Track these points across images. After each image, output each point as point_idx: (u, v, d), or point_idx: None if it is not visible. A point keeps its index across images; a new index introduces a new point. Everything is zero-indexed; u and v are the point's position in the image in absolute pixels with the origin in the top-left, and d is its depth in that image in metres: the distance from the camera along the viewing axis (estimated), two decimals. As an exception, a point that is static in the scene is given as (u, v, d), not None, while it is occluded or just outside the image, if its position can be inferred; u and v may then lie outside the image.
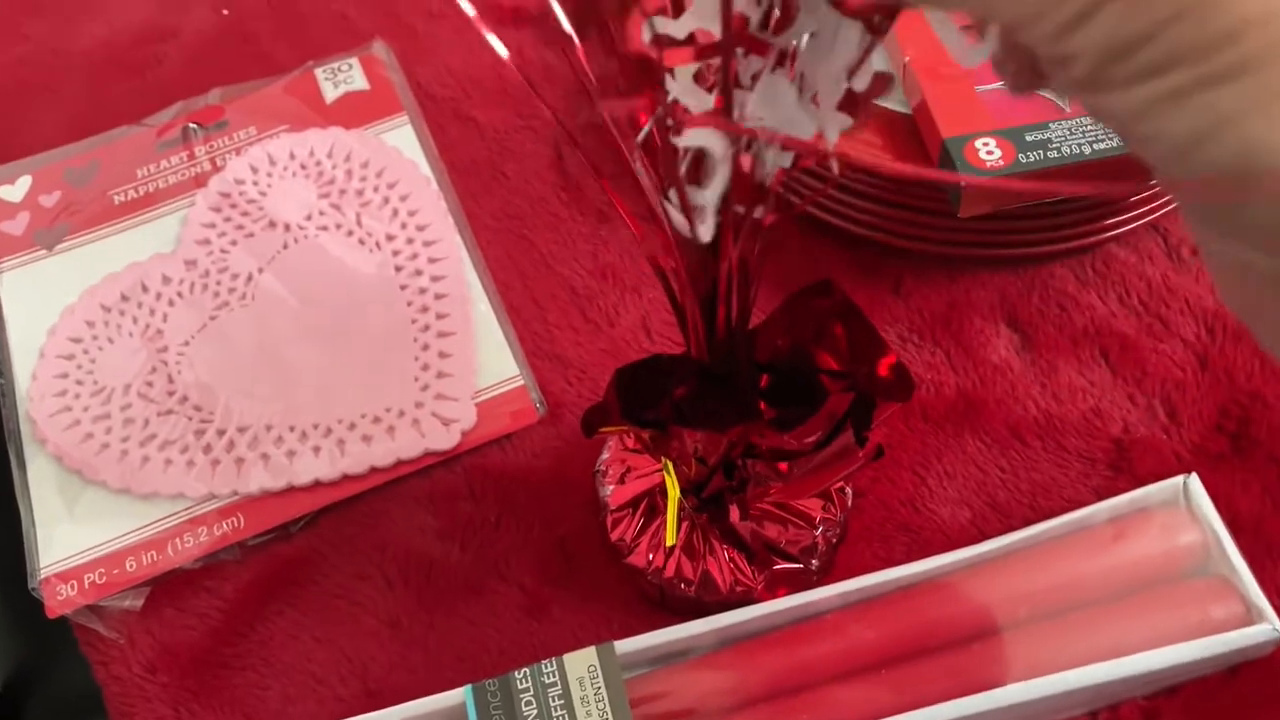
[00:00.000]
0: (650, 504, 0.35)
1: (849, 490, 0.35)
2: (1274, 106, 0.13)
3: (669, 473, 0.34)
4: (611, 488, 0.36)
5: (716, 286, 0.24)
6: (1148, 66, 0.14)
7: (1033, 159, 0.35)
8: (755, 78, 0.20)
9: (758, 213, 0.22)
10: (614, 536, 0.35)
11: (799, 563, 0.34)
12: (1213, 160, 0.14)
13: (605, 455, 0.37)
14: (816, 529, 0.34)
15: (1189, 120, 0.14)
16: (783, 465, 0.30)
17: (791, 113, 0.20)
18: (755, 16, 0.19)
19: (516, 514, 0.38)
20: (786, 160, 0.21)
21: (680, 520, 0.34)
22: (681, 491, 0.33)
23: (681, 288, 0.25)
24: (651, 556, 0.35)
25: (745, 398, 0.28)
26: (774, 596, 0.33)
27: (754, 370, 0.28)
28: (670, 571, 0.34)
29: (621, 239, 0.44)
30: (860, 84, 0.19)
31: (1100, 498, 0.35)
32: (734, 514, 0.33)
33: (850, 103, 0.20)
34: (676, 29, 0.19)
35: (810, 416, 0.26)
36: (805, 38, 0.19)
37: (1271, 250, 0.14)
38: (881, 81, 0.20)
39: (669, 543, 0.34)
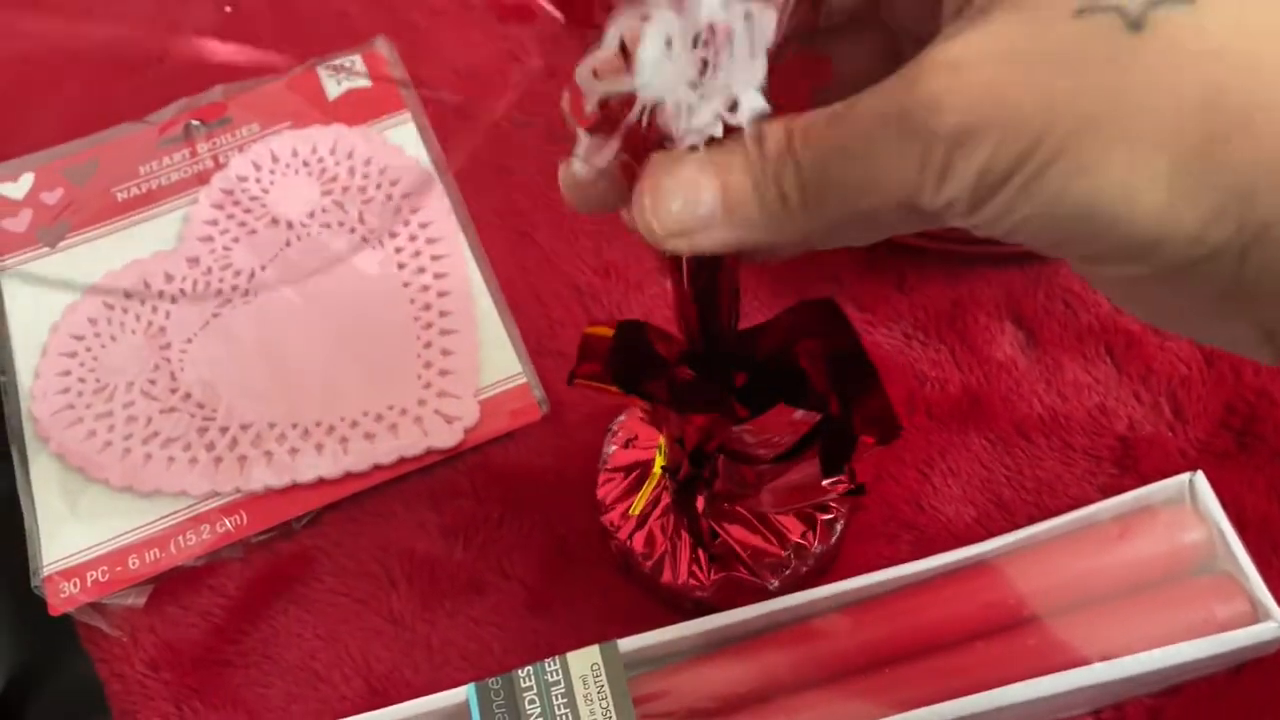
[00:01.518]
0: (641, 474, 0.36)
1: (839, 525, 0.35)
2: (1088, 172, 0.17)
3: (660, 448, 0.34)
4: (614, 448, 0.37)
5: (715, 270, 0.24)
6: (995, 182, 0.18)
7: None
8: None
9: None
10: (599, 494, 0.36)
11: (757, 577, 0.34)
12: (1064, 216, 0.18)
13: (622, 418, 0.38)
14: (788, 550, 0.34)
15: (1038, 201, 0.18)
16: (749, 472, 0.29)
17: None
18: None
19: (519, 512, 0.38)
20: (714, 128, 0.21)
21: (660, 498, 0.35)
22: (664, 470, 0.34)
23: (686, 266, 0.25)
24: (621, 522, 0.35)
25: (716, 388, 0.28)
26: (724, 602, 0.33)
27: (732, 364, 0.28)
28: (635, 543, 0.35)
29: (625, 236, 0.44)
30: None
31: (1105, 495, 0.35)
32: (700, 504, 0.33)
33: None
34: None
35: (762, 414, 0.26)
36: None
37: (1141, 260, 0.18)
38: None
39: (633, 511, 0.34)
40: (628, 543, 0.35)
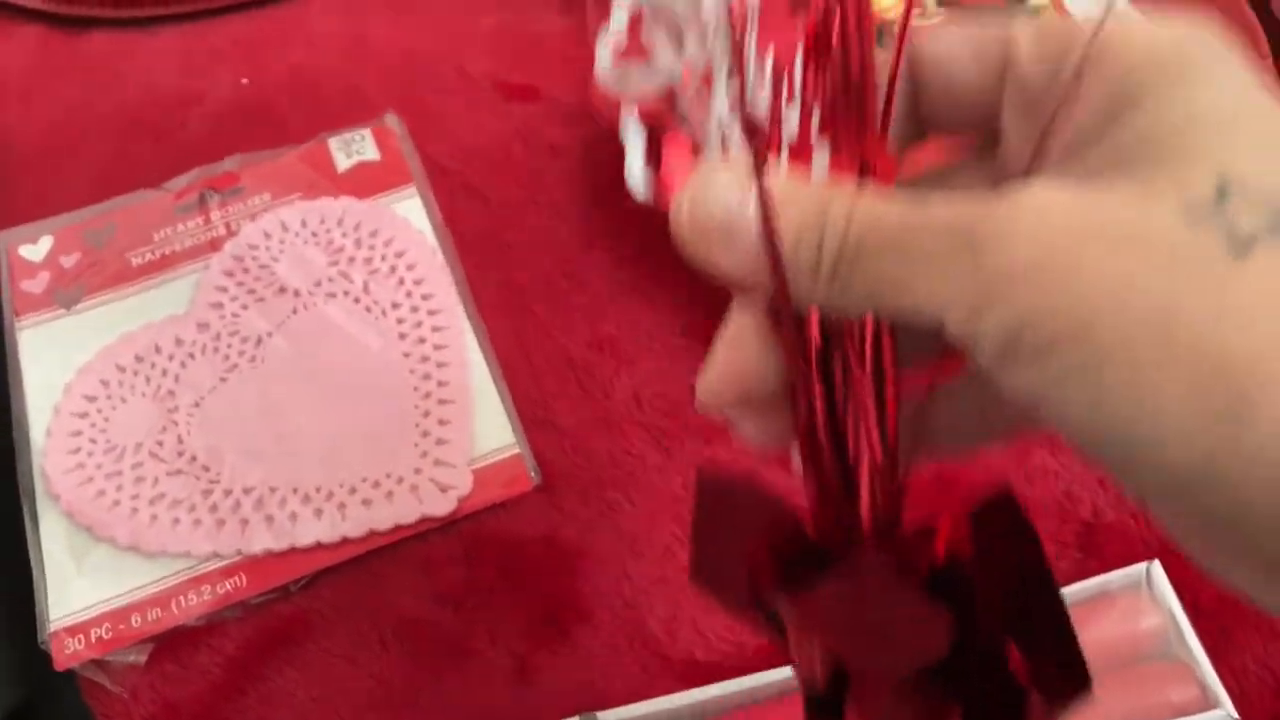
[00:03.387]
0: None
1: None
2: (1133, 386, 0.16)
3: None
4: None
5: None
6: (1033, 352, 0.16)
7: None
8: None
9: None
10: None
11: None
12: (1098, 421, 0.16)
13: None
14: None
15: (1080, 393, 0.16)
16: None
17: None
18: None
19: (510, 580, 0.40)
20: None
21: None
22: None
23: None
24: None
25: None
26: None
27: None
28: None
29: (618, 313, 0.46)
30: None
31: (1069, 580, 0.36)
32: None
33: None
34: None
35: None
36: None
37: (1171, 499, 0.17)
38: None
39: None
40: None
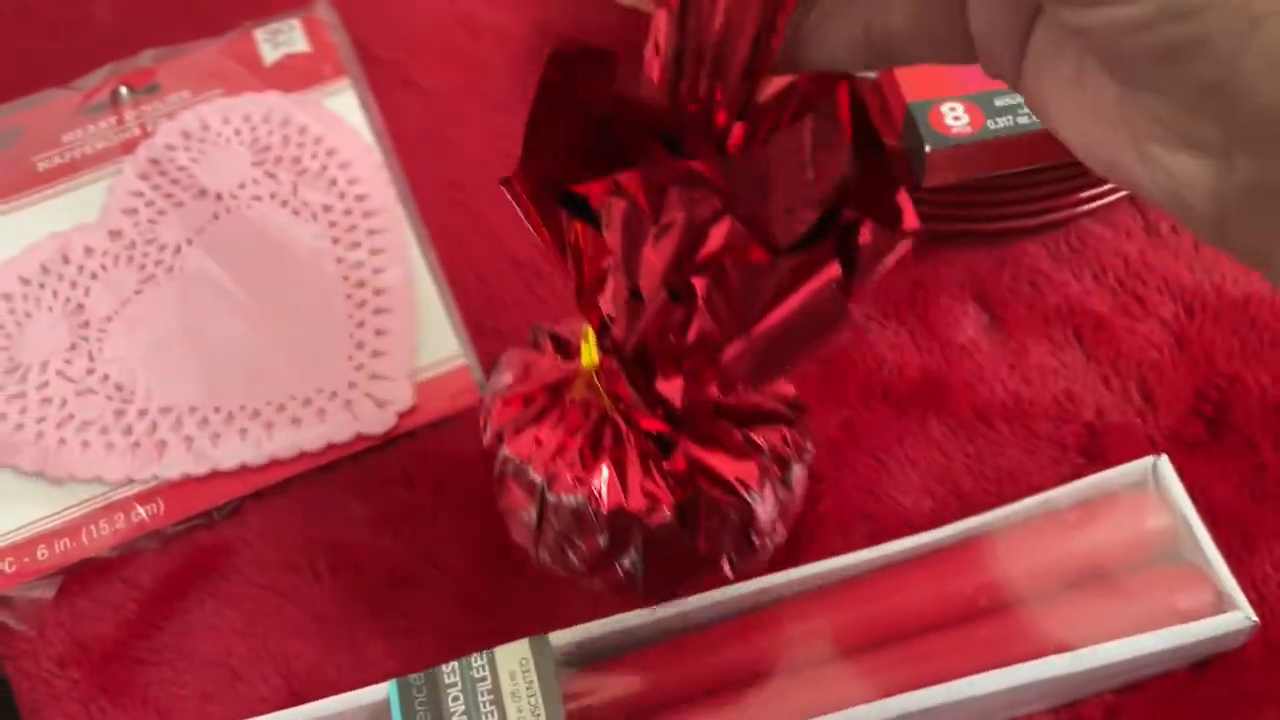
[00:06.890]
0: (549, 403, 0.30)
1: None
2: None
3: (586, 337, 0.29)
4: (509, 378, 0.31)
5: None
6: None
7: (1002, 125, 0.33)
8: None
9: None
10: (495, 422, 0.31)
11: (733, 494, 0.28)
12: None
13: (506, 355, 0.32)
14: (764, 459, 0.29)
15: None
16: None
17: None
18: None
19: (454, 501, 0.36)
20: None
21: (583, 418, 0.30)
22: (604, 350, 0.27)
23: None
24: (537, 448, 0.29)
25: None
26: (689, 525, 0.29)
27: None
28: (559, 468, 0.29)
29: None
30: None
31: (1069, 485, 0.33)
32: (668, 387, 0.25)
33: None
34: None
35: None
36: None
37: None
38: None
39: (575, 394, 0.29)
40: (549, 469, 0.29)
